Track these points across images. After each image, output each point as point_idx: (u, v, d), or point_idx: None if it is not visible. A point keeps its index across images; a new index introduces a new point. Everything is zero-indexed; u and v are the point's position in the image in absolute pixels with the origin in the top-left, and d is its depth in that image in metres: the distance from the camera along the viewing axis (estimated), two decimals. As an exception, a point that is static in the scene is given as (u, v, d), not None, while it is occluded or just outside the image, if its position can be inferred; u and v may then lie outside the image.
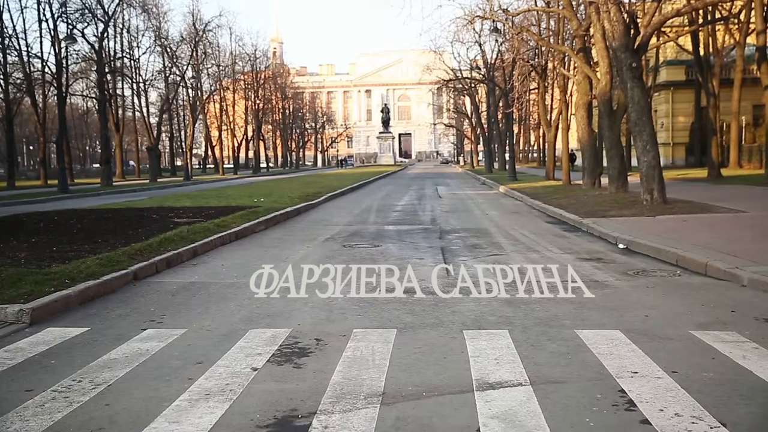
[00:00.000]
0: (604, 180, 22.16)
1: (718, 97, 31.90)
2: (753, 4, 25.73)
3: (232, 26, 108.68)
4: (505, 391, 4.47)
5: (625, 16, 17.63)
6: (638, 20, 18.39)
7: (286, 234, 13.94)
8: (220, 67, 60.30)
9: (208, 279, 8.93)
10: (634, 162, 26.03)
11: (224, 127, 67.06)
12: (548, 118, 34.29)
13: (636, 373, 4.73)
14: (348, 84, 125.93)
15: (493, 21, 30.71)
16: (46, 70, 41.30)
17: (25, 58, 40.53)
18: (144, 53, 68.72)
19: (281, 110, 79.28)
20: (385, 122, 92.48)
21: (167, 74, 52.51)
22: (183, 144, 66.40)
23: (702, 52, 31.86)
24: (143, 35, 66.46)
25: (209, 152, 78.49)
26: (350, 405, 4.29)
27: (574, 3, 24.73)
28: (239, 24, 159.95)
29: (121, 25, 48.62)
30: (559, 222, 15.25)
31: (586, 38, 23.46)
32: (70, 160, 52.21)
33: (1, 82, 39.90)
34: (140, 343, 5.82)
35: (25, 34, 59.54)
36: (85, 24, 39.79)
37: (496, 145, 49.43)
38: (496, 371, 4.87)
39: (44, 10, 38.92)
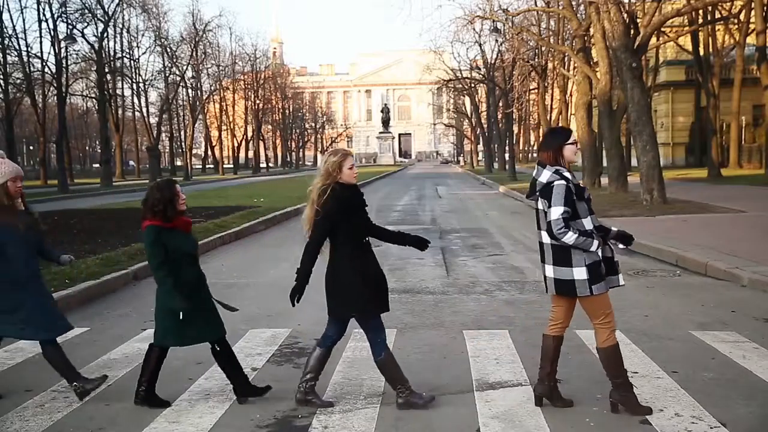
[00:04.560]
0: (604, 180, 22.15)
1: (718, 97, 31.87)
2: (753, 4, 25.71)
3: (232, 26, 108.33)
4: (505, 391, 4.47)
5: (625, 16, 17.63)
6: (638, 20, 18.40)
7: (286, 234, 13.94)
8: (220, 67, 60.22)
9: (208, 279, 8.88)
10: (634, 162, 26.03)
11: (224, 127, 67.00)
12: (548, 118, 34.34)
13: (636, 373, 4.72)
14: (348, 84, 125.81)
15: (493, 21, 30.72)
16: (46, 70, 41.21)
17: (25, 58, 40.41)
18: (144, 53, 68.27)
19: (281, 110, 79.18)
20: (385, 122, 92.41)
21: (167, 74, 52.43)
22: (183, 144, 66.29)
23: (702, 52, 31.83)
24: (143, 35, 66.06)
25: (209, 152, 78.44)
26: (350, 405, 4.29)
27: (574, 3, 24.74)
28: (239, 24, 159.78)
29: (121, 25, 48.49)
30: (559, 222, 15.22)
31: (586, 38, 23.46)
32: (70, 160, 52.16)
33: (1, 82, 39.84)
34: (140, 343, 5.81)
35: (25, 34, 59.26)
36: (85, 24, 39.76)
37: (496, 145, 49.41)
38: (496, 371, 4.87)
39: (44, 10, 38.73)
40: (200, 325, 4.35)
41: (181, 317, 4.19)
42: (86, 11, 38.73)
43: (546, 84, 33.61)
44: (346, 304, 4.23)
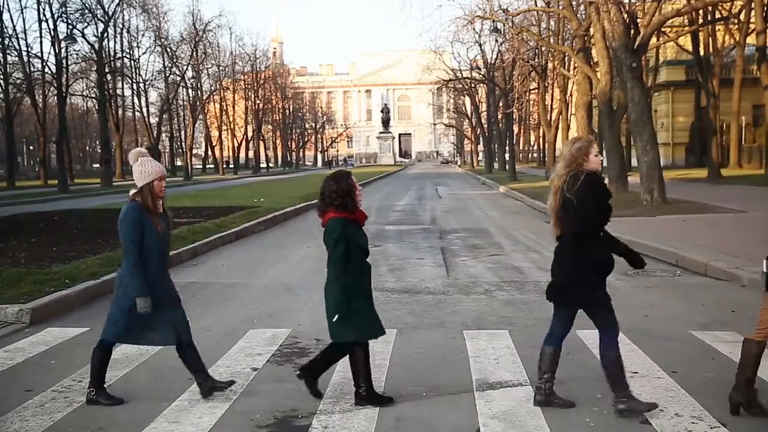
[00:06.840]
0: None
1: (718, 97, 31.86)
2: (753, 4, 25.70)
3: (232, 26, 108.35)
4: (505, 391, 4.47)
5: (625, 16, 17.63)
6: (638, 20, 18.40)
7: (286, 234, 13.95)
8: (220, 67, 60.22)
9: (208, 279, 8.93)
10: (634, 162, 26.03)
11: (224, 127, 66.98)
12: (548, 118, 34.34)
13: (636, 373, 4.72)
14: (348, 84, 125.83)
15: (493, 21, 30.68)
16: (46, 70, 41.23)
17: (25, 58, 40.47)
18: (144, 53, 68.49)
19: (281, 110, 79.20)
20: (385, 122, 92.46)
21: (167, 74, 52.48)
22: (183, 144, 66.29)
23: (702, 52, 31.82)
24: (143, 35, 66.16)
25: (209, 152, 78.47)
26: (350, 405, 4.29)
27: (574, 3, 24.75)
28: (239, 24, 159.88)
29: (121, 25, 48.55)
30: (559, 222, 15.22)
31: (586, 38, 23.47)
32: (70, 160, 52.15)
33: (1, 82, 39.86)
34: (140, 343, 5.80)
35: (25, 34, 59.31)
36: (85, 24, 39.79)
37: (496, 145, 49.43)
38: (496, 371, 4.87)
39: (44, 10, 38.76)
40: (368, 320, 4.24)
41: (335, 319, 4.12)
42: (86, 11, 38.78)
43: (546, 84, 33.64)
44: (574, 295, 4.12)
